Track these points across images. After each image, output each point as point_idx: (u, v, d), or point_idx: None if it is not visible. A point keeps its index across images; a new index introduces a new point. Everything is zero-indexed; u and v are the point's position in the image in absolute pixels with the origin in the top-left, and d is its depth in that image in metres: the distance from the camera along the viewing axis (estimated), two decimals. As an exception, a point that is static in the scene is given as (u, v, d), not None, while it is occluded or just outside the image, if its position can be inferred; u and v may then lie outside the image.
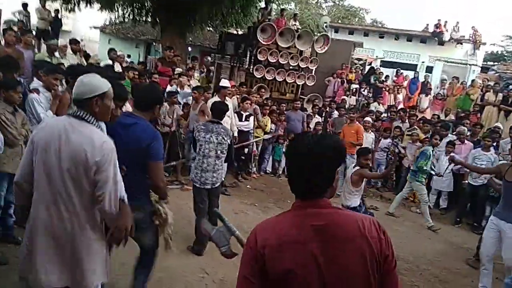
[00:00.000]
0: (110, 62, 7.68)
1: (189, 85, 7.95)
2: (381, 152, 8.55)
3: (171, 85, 7.61)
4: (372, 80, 12.69)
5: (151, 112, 2.87)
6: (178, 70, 8.47)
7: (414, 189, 7.00)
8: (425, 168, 6.61)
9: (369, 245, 1.36)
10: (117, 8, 11.57)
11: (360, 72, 13.69)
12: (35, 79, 4.36)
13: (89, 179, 2.07)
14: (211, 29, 13.87)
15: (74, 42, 7.68)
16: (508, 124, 9.62)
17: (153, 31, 14.78)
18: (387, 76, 13.63)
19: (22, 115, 3.76)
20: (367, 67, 14.88)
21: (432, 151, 6.80)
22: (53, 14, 12.28)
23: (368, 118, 8.51)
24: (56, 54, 6.67)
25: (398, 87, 12.55)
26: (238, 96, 8.12)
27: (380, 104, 11.03)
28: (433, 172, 6.95)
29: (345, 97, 11.34)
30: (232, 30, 12.63)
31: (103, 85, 2.20)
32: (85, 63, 7.32)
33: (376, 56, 17.80)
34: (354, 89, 11.96)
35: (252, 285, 1.35)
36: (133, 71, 7.01)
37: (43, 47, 7.37)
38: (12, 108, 3.61)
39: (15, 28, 9.80)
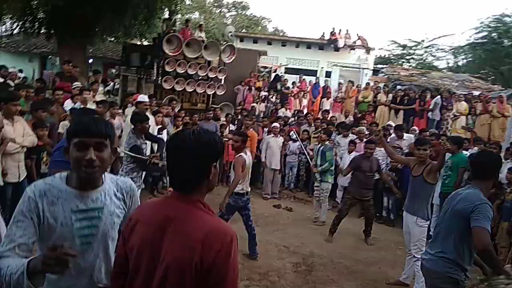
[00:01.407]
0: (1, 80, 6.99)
1: (94, 101, 7.56)
2: (292, 155, 9.00)
3: (74, 102, 7.16)
4: (278, 87, 13.32)
5: None
6: (77, 84, 7.92)
7: (322, 187, 7.47)
8: (330, 167, 7.19)
9: (194, 253, 1.38)
10: (3, 21, 10.54)
11: (266, 79, 14.28)
12: None
13: None
14: (113, 39, 13.31)
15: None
16: (398, 121, 10.81)
17: (49, 44, 13.73)
18: (293, 83, 14.35)
19: None
20: (273, 75, 15.57)
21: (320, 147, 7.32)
22: None
23: (276, 124, 8.92)
24: None
25: (302, 92, 13.33)
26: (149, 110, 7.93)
27: (287, 110, 11.61)
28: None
29: (254, 104, 11.73)
30: (136, 41, 12.29)
31: None
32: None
33: (280, 64, 18.67)
34: (263, 96, 12.44)
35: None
36: (27, 89, 6.47)
37: None
38: None
39: None
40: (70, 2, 8.36)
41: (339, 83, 13.96)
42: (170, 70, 9.24)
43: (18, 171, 4.46)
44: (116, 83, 10.95)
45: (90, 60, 15.12)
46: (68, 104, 6.99)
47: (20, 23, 10.74)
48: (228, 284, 1.40)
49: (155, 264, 1.44)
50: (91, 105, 7.23)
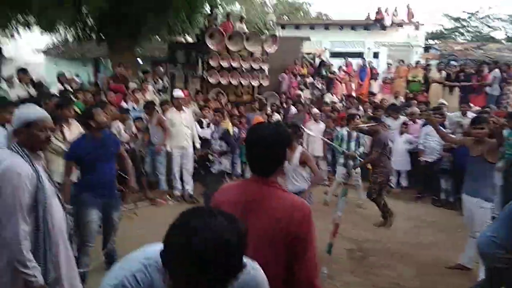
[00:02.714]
0: (60, 86, 7.50)
1: (144, 100, 7.90)
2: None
3: (126, 103, 7.54)
4: (323, 72, 13.09)
5: None
6: (132, 85, 8.37)
7: (337, 172, 7.33)
8: (339, 149, 7.02)
9: (281, 224, 1.60)
10: (57, 29, 11.21)
11: (311, 65, 14.08)
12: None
13: None
14: (159, 39, 13.71)
15: (22, 71, 7.41)
16: (453, 99, 10.28)
17: (100, 48, 14.44)
18: (340, 68, 14.03)
19: None
20: (317, 60, 15.31)
21: (347, 132, 7.07)
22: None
23: (315, 110, 8.81)
24: (3, 85, 6.45)
25: (348, 76, 13.02)
26: (195, 104, 8.17)
27: (334, 95, 11.41)
28: (346, 152, 7.13)
29: (299, 92, 11.64)
30: (180, 38, 12.58)
31: (29, 116, 2.27)
32: (34, 92, 7.09)
33: (324, 48, 18.30)
34: (308, 83, 12.30)
35: None
36: (84, 93, 6.89)
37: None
38: None
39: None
40: (115, 8, 8.72)
41: (388, 64, 13.45)
42: (215, 64, 9.41)
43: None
44: (165, 81, 11.31)
45: (139, 60, 15.72)
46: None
47: (72, 30, 11.37)
48: (312, 249, 1.64)
49: None
50: (141, 104, 7.60)
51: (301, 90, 11.83)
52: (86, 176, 3.80)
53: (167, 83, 10.73)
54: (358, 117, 7.22)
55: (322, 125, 8.55)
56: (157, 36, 12.54)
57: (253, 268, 1.31)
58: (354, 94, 11.99)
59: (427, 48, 18.26)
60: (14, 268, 2.12)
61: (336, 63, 14.66)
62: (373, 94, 11.55)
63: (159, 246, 1.12)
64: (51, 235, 2.26)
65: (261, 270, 1.36)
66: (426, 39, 19.88)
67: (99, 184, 3.74)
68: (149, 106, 7.04)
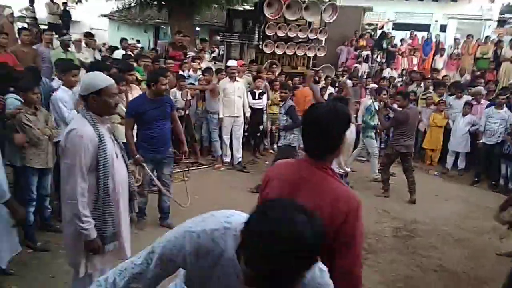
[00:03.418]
0: (122, 51, 7.84)
1: (200, 68, 8.06)
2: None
3: (183, 70, 7.73)
4: (384, 45, 12.51)
5: None
6: (190, 53, 8.56)
7: (366, 144, 7.08)
8: (372, 123, 6.79)
9: (324, 212, 1.50)
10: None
11: (371, 37, 13.48)
12: (55, 78, 4.54)
13: None
14: (217, 6, 13.76)
15: (88, 35, 7.83)
16: (526, 79, 9.46)
17: (161, 15, 14.78)
18: (402, 39, 13.27)
19: (44, 113, 3.91)
20: (379, 32, 14.61)
21: (377, 106, 6.73)
22: (61, 7, 12.42)
23: (373, 85, 8.49)
24: (71, 48, 6.86)
25: (412, 50, 12.33)
26: (249, 74, 8.20)
27: (393, 69, 10.92)
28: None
29: (357, 65, 11.25)
30: (238, 6, 12.54)
31: (99, 83, 2.39)
32: (100, 56, 7.48)
33: (388, 19, 17.37)
34: (366, 56, 11.84)
35: None
36: (144, 59, 7.14)
37: (56, 42, 7.56)
38: (33, 108, 3.76)
39: (25, 25, 10.06)
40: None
41: (455, 38, 12.54)
42: (271, 34, 9.32)
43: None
44: (221, 50, 11.41)
45: (197, 28, 15.93)
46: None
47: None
48: (356, 243, 1.57)
49: None
50: (199, 72, 7.77)
51: (359, 63, 11.44)
52: (143, 132, 4.24)
53: (223, 52, 10.83)
54: (385, 92, 7.01)
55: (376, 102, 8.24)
56: (215, 4, 12.58)
57: (321, 269, 1.27)
58: (416, 69, 11.39)
59: (501, 22, 16.74)
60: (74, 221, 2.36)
61: (399, 35, 13.91)
62: (437, 70, 10.90)
63: (242, 217, 1.15)
64: (112, 193, 2.44)
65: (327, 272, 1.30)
66: (501, 13, 18.20)
67: (154, 140, 4.20)
68: (208, 72, 7.16)
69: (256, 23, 9.56)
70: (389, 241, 4.69)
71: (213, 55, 11.42)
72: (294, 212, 1.03)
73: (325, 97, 8.70)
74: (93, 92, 2.36)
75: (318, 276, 1.25)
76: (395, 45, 12.69)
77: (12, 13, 10.81)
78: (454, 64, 11.57)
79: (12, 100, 3.80)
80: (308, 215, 1.05)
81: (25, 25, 10.33)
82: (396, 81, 9.94)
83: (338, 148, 1.67)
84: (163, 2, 11.89)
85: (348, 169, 4.53)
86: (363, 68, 11.36)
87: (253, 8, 10.82)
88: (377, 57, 11.89)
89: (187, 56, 8.64)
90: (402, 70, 11.44)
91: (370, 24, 15.81)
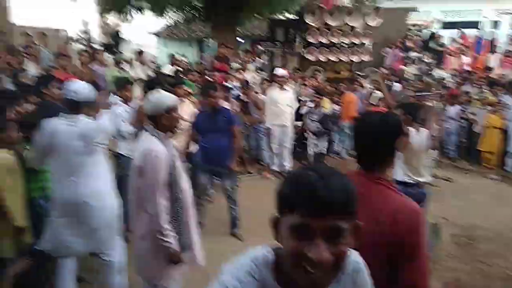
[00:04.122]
0: (171, 67, 8.17)
1: (245, 80, 8.18)
2: (451, 121, 8.19)
3: (227, 81, 7.89)
4: (432, 46, 12.09)
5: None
6: (235, 65, 8.74)
7: None
8: None
9: (385, 227, 1.46)
10: (167, 12, 12.11)
11: (418, 38, 13.07)
12: (111, 94, 4.82)
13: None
14: (259, 16, 13.97)
15: (140, 53, 8.24)
16: None
17: (204, 28, 15.22)
18: (451, 39, 12.76)
19: None
20: (426, 32, 14.14)
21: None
22: (113, 28, 13.12)
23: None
24: (124, 66, 7.23)
25: (463, 49, 11.82)
26: (294, 83, 8.22)
27: (444, 70, 10.52)
28: None
29: (403, 67, 10.95)
30: (280, 16, 12.64)
31: (167, 101, 2.51)
32: (151, 73, 7.83)
33: (434, 19, 16.79)
34: (414, 58, 11.49)
35: None
36: (192, 72, 7.39)
37: (109, 60, 8.02)
38: None
39: (80, 46, 10.73)
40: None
41: (509, 35, 11.88)
42: (314, 41, 9.32)
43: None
44: (264, 59, 11.55)
45: (240, 40, 16.20)
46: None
47: (180, 13, 12.18)
48: (420, 256, 1.47)
49: None
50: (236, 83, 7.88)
51: (406, 65, 11.12)
52: (200, 142, 4.59)
53: (266, 62, 10.94)
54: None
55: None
56: (258, 15, 12.77)
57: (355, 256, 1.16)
58: (468, 68, 10.90)
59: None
60: (155, 236, 2.47)
61: (447, 34, 13.39)
62: (490, 69, 10.37)
63: (258, 250, 1.05)
64: (184, 206, 2.56)
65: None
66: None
67: (208, 151, 4.45)
68: (244, 86, 7.28)
69: (298, 31, 9.61)
70: (449, 249, 4.49)
71: (256, 64, 11.57)
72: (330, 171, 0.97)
73: (373, 101, 8.54)
74: (163, 110, 2.47)
75: (357, 262, 1.16)
76: (444, 45, 12.22)
77: (68, 36, 11.60)
78: (509, 62, 10.95)
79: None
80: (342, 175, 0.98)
81: (81, 46, 11.03)
82: (447, 82, 9.55)
83: (392, 158, 1.62)
84: (207, 17, 12.25)
85: (424, 179, 3.89)
86: (412, 69, 11.02)
87: (294, 16, 10.87)
88: (425, 58, 11.50)
89: (231, 67, 8.81)
90: (453, 70, 10.99)
91: (415, 25, 15.35)
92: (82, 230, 2.92)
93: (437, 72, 10.33)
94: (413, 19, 15.43)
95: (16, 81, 4.96)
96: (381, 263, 1.48)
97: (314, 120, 5.94)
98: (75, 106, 2.90)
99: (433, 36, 12.68)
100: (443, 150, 8.23)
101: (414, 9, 14.89)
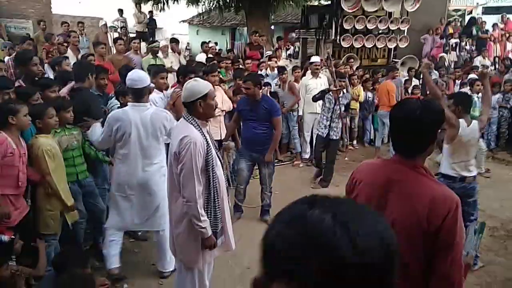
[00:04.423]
0: (203, 54, 8.23)
1: (277, 67, 8.14)
2: (491, 109, 7.84)
3: (261, 69, 7.88)
4: (474, 32, 11.56)
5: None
6: (268, 53, 8.71)
7: None
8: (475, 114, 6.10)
9: (421, 216, 1.46)
10: (201, 1, 12.19)
11: (459, 24, 12.53)
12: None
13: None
14: (293, 3, 13.80)
15: (173, 41, 8.35)
16: None
17: (237, 16, 15.19)
18: (494, 24, 12.12)
19: None
20: (467, 18, 13.53)
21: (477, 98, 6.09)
22: (147, 16, 13.35)
23: (473, 75, 7.84)
24: (159, 55, 7.36)
25: (506, 35, 11.23)
26: (327, 70, 8.09)
27: (485, 58, 10.05)
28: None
29: (443, 54, 10.53)
30: (314, 2, 12.44)
31: (203, 88, 2.55)
32: (184, 61, 7.93)
33: (477, 3, 16.00)
34: (454, 44, 11.04)
35: None
36: (226, 61, 7.42)
37: (143, 48, 8.18)
38: None
39: (116, 34, 11.00)
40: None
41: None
42: (349, 27, 9.11)
43: (220, 131, 5.33)
44: (296, 46, 11.42)
45: (272, 27, 16.08)
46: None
47: (214, 1, 12.22)
48: (455, 247, 1.47)
49: None
50: (276, 71, 7.86)
51: (446, 52, 10.70)
52: (242, 129, 4.84)
53: (298, 49, 10.82)
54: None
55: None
56: (292, 2, 12.61)
57: None
58: (511, 56, 10.36)
59: None
60: (189, 220, 2.55)
61: (490, 20, 12.73)
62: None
63: None
64: (218, 191, 2.62)
65: None
66: None
67: (248, 139, 4.61)
68: (282, 72, 7.22)
69: (333, 18, 9.40)
70: (484, 241, 4.34)
71: (288, 52, 11.47)
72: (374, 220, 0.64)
73: (409, 90, 8.31)
74: (199, 97, 2.52)
75: None
76: (486, 31, 11.65)
77: (105, 24, 11.91)
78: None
79: (114, 101, 4.22)
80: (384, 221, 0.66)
81: (116, 35, 11.30)
82: (489, 69, 9.12)
83: (431, 146, 1.60)
84: (240, 4, 12.22)
85: (472, 173, 3.66)
86: (451, 57, 10.60)
87: (329, 2, 10.64)
88: (466, 44, 11.02)
89: (265, 55, 8.79)
90: (495, 57, 10.48)
91: (457, 10, 14.70)
92: (146, 207, 3.35)
93: (479, 60, 9.88)
94: (454, 4, 14.80)
95: (58, 68, 5.14)
96: (417, 253, 1.48)
97: (340, 103, 5.77)
98: (139, 93, 3.23)
99: (475, 22, 12.09)
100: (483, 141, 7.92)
101: (455, -7, 14.27)
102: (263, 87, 6.66)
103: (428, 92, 8.27)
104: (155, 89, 4.60)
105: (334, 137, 5.81)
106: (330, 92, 5.71)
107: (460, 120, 3.62)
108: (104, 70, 4.61)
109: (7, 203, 2.91)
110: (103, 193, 3.88)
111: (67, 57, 5.73)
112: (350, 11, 9.03)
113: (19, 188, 3.02)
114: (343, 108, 5.82)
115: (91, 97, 3.97)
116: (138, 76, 3.25)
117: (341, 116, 5.83)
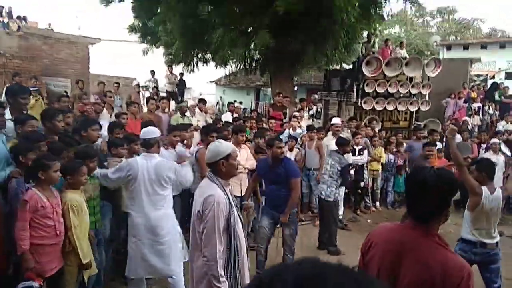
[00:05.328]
0: (229, 114, 8.56)
1: (299, 126, 8.34)
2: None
3: (284, 129, 8.09)
4: (496, 97, 11.63)
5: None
6: (290, 113, 8.97)
7: None
8: None
9: (434, 284, 1.49)
10: (229, 63, 12.83)
11: (482, 89, 12.65)
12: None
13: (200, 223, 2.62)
14: (316, 67, 14.35)
15: (201, 101, 8.77)
16: None
17: (262, 78, 15.84)
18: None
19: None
20: (490, 82, 13.67)
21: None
22: (178, 77, 14.11)
23: (495, 140, 7.81)
24: (187, 114, 7.71)
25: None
26: (348, 131, 8.23)
27: (509, 122, 10.01)
28: None
29: (467, 118, 10.57)
30: (336, 66, 12.90)
31: (226, 149, 2.68)
32: (211, 120, 8.26)
33: (499, 69, 16.22)
34: (477, 108, 11.09)
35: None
36: (251, 121, 7.71)
37: (172, 107, 8.59)
38: None
39: (148, 94, 11.61)
40: (280, 43, 9.53)
41: None
42: (370, 91, 9.36)
43: (240, 187, 5.40)
44: (319, 107, 11.73)
45: (295, 88, 16.63)
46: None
47: (241, 64, 12.85)
48: None
49: (394, 283, 1.62)
50: (298, 130, 8.06)
51: (469, 116, 10.73)
52: (265, 190, 4.99)
53: (321, 109, 11.09)
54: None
55: (502, 158, 7.56)
56: (314, 66, 13.12)
57: None
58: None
59: None
60: (209, 281, 2.56)
61: (513, 85, 12.83)
62: None
63: None
64: (239, 251, 2.64)
65: None
66: None
67: (269, 199, 4.70)
68: (310, 130, 7.38)
69: (354, 81, 9.71)
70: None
71: (311, 112, 11.75)
72: None
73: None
74: (221, 158, 2.64)
75: None
76: (510, 96, 11.70)
77: (138, 84, 12.64)
78: None
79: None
80: None
81: (148, 94, 11.94)
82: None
83: (445, 212, 1.65)
84: (265, 68, 12.81)
85: (494, 240, 3.59)
86: (475, 121, 10.61)
87: (351, 66, 11.05)
88: (488, 108, 11.05)
89: (286, 115, 9.04)
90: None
91: (478, 75, 14.92)
92: (160, 250, 3.61)
93: (502, 124, 9.84)
94: (476, 69, 15.06)
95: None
96: None
97: (331, 164, 5.78)
98: (148, 144, 3.81)
99: (497, 87, 12.21)
100: (508, 206, 7.69)
101: (477, 60, 14.55)
102: (290, 141, 6.87)
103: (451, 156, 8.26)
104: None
105: (322, 197, 5.77)
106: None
107: (483, 187, 3.58)
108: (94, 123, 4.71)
109: (32, 258, 3.02)
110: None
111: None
112: (371, 75, 9.31)
113: (57, 237, 3.15)
114: (334, 170, 5.73)
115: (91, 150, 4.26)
116: (148, 130, 3.88)
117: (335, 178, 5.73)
